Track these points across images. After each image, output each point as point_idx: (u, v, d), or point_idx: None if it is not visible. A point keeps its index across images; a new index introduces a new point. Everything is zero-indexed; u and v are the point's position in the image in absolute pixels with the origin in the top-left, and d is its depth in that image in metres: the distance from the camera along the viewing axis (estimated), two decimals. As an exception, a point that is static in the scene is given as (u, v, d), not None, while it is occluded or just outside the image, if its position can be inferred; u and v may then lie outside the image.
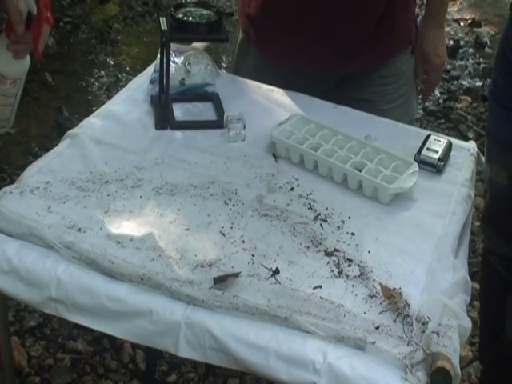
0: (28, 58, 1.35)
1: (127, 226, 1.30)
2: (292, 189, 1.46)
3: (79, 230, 1.28)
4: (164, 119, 1.60)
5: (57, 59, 3.79)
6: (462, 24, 4.73)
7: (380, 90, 1.82)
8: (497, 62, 1.64)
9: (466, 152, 1.63)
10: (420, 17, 1.98)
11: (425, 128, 3.23)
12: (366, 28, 1.72)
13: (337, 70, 1.77)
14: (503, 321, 1.72)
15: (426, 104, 3.72)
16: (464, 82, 4.01)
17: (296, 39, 1.73)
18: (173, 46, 1.59)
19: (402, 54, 1.83)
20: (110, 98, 1.77)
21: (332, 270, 1.26)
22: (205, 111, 1.68)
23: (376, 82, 1.81)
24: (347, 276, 1.25)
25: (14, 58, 1.32)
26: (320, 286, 1.21)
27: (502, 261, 1.74)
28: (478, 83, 4.01)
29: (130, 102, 1.68)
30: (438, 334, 1.11)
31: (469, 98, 3.80)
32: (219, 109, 1.66)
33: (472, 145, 1.67)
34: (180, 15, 1.56)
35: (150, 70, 1.76)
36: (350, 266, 1.27)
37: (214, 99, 1.70)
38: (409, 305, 1.19)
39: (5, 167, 2.90)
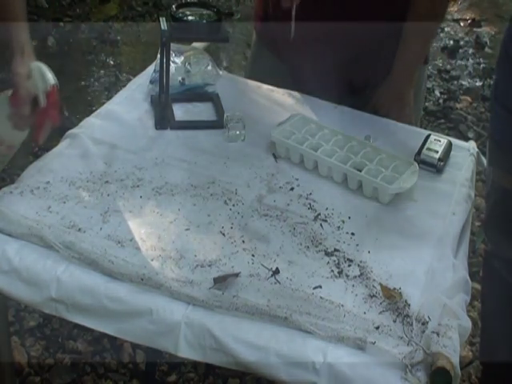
0: (27, 129, 1.37)
1: (127, 226, 1.30)
2: (292, 189, 1.46)
3: (79, 230, 1.28)
4: (164, 119, 1.60)
5: (57, 59, 3.78)
6: (462, 24, 4.72)
7: None
8: (499, 63, 1.62)
9: (466, 152, 1.63)
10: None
11: (425, 128, 3.20)
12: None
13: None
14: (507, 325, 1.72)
15: (426, 104, 3.71)
16: (464, 82, 4.01)
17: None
18: (173, 46, 1.59)
19: None
20: (109, 98, 1.77)
21: (332, 270, 1.26)
22: (205, 111, 1.68)
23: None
24: (347, 276, 1.25)
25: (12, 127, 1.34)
26: (320, 286, 1.21)
27: (506, 264, 1.73)
28: (478, 83, 4.01)
29: (129, 101, 1.68)
30: (438, 334, 1.11)
31: (469, 98, 3.80)
32: (219, 109, 1.66)
33: (472, 145, 1.67)
34: (180, 15, 1.56)
35: (150, 70, 1.76)
36: (350, 266, 1.27)
37: (213, 99, 1.70)
38: (409, 305, 1.19)
39: (5, 167, 2.90)
